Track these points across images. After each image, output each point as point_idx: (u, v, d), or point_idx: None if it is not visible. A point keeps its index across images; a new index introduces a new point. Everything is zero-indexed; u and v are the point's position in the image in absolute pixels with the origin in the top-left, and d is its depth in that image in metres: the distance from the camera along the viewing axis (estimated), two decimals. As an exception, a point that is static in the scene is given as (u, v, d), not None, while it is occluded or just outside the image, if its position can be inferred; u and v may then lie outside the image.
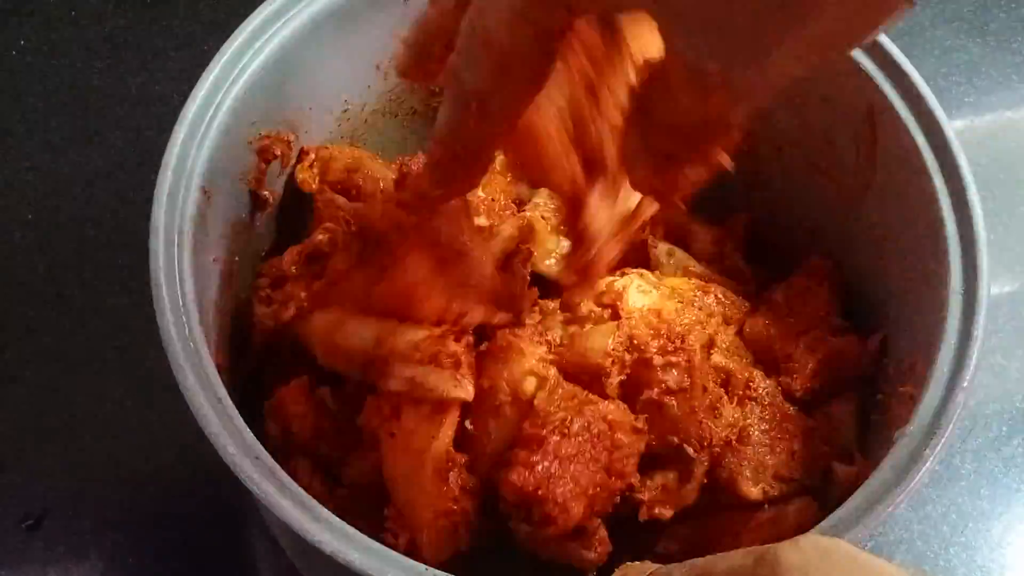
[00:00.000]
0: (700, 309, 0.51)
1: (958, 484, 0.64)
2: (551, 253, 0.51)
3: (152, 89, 0.73)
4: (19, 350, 0.64)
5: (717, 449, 0.47)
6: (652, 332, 0.47)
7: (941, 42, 0.79)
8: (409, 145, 0.60)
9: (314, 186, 0.54)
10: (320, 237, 0.50)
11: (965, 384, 0.43)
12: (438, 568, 0.39)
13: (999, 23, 0.80)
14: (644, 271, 0.52)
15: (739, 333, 0.53)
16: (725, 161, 0.34)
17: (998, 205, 0.73)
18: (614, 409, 0.46)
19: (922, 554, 0.62)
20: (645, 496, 0.47)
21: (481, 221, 0.51)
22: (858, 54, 0.50)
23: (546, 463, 0.43)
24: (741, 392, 0.49)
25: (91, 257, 0.67)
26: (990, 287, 0.46)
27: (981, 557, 0.62)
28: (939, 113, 0.49)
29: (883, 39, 0.50)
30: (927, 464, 0.42)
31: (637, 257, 0.54)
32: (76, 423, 0.62)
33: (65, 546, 0.59)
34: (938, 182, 0.48)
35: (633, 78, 0.39)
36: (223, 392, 0.42)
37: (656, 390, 0.46)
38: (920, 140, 0.49)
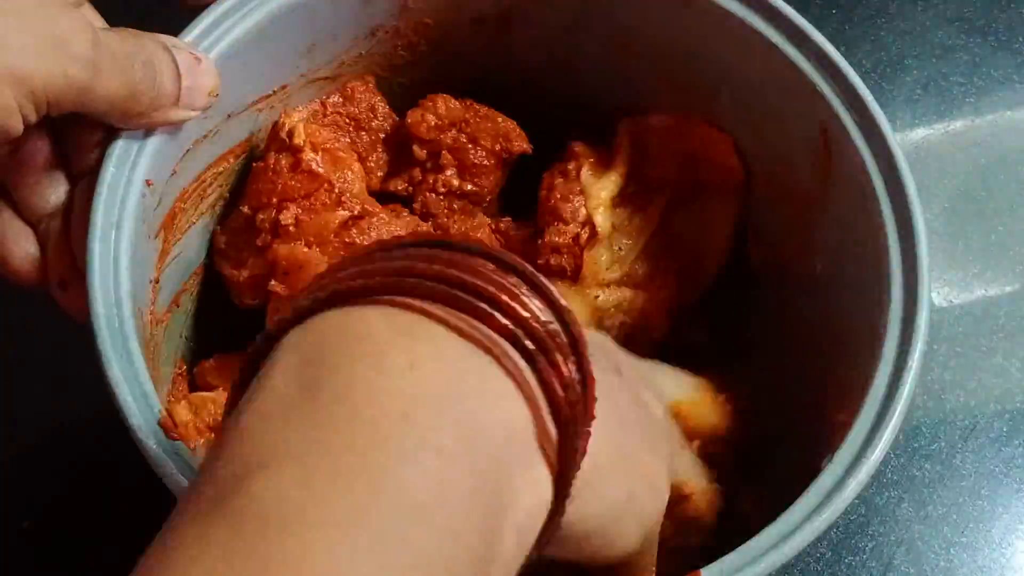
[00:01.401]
0: None
1: (959, 484, 0.64)
2: None
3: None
4: (22, 349, 0.64)
5: None
6: None
7: (942, 42, 0.79)
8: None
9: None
10: None
11: (897, 412, 0.43)
12: None
13: (1000, 22, 0.80)
14: None
15: None
16: None
17: (998, 205, 0.73)
18: None
19: (923, 555, 0.62)
20: None
21: None
22: (810, 71, 0.50)
23: None
24: None
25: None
26: (930, 319, 0.45)
27: (982, 558, 0.62)
28: (889, 136, 0.48)
29: (834, 55, 0.49)
30: (849, 491, 0.41)
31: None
32: (79, 423, 0.62)
33: (66, 546, 0.59)
34: (885, 208, 0.47)
35: None
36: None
37: None
38: (870, 162, 0.48)
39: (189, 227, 0.53)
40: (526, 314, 0.29)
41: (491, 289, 0.29)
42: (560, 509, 0.30)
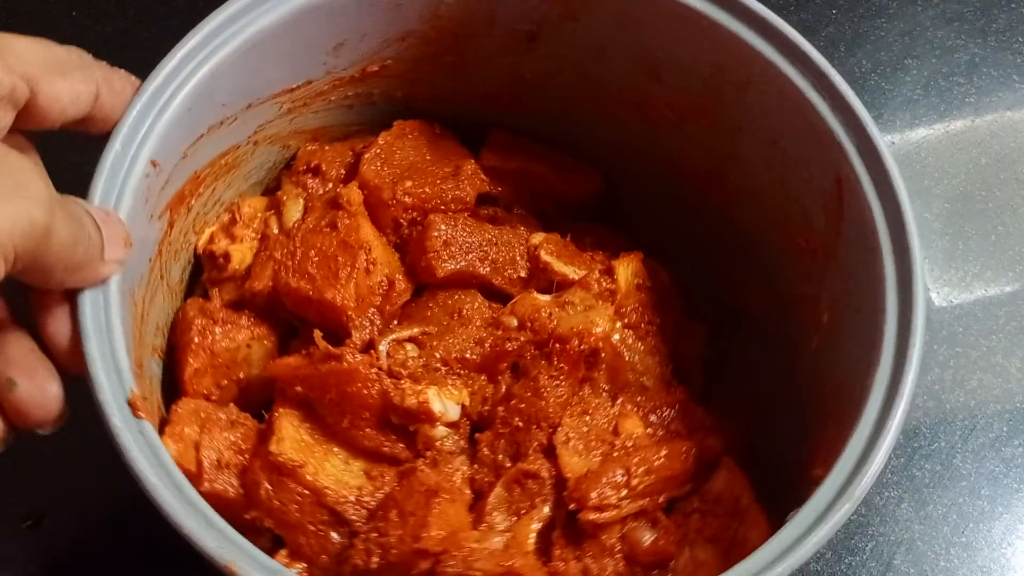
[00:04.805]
0: None
1: (959, 484, 0.64)
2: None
3: (152, 89, 0.73)
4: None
5: None
6: None
7: (942, 42, 0.79)
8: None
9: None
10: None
11: (890, 435, 0.43)
12: None
13: (1000, 23, 0.80)
14: None
15: None
16: None
17: (998, 205, 0.73)
18: None
19: (923, 555, 0.62)
20: None
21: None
22: (832, 121, 0.49)
23: None
24: None
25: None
26: (916, 378, 0.45)
27: (982, 558, 0.62)
28: (901, 192, 0.47)
29: (855, 102, 0.49)
30: (845, 510, 0.41)
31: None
32: (77, 421, 0.62)
33: (66, 546, 0.59)
34: (888, 266, 0.47)
35: None
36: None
37: None
38: (879, 217, 0.48)
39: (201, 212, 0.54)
40: None
41: None
42: None
